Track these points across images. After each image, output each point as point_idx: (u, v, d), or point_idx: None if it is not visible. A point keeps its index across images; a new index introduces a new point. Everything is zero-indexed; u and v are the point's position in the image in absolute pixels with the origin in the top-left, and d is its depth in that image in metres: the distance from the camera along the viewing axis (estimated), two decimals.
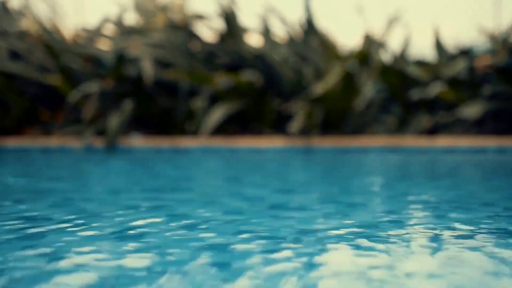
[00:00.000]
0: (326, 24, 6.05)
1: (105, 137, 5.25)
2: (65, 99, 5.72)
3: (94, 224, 1.71)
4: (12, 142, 5.39)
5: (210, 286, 1.11)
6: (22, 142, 5.39)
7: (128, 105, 5.44)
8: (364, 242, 1.46)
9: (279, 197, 2.32)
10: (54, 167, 4.06)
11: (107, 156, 4.88)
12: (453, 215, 1.89)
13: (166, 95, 5.71)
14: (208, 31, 6.08)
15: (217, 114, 5.29)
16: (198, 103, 5.49)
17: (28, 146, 5.33)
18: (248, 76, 5.49)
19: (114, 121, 5.24)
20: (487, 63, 5.71)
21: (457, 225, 1.72)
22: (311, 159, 4.62)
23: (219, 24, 6.02)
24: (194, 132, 5.47)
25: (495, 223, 1.73)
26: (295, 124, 5.16)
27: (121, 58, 5.57)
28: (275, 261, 1.28)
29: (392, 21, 5.82)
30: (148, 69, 5.36)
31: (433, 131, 5.51)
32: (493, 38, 5.87)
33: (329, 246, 1.43)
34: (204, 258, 1.31)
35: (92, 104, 5.49)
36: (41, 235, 1.57)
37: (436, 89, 5.40)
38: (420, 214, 1.96)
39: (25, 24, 6.12)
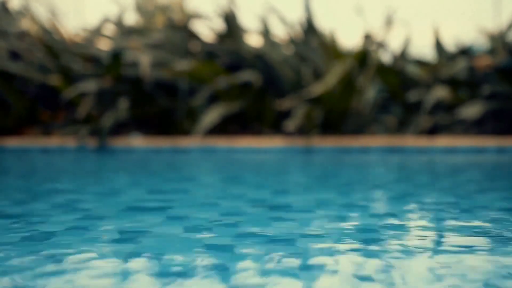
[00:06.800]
0: (326, 24, 6.04)
1: (98, 137, 5.24)
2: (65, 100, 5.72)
3: (93, 225, 1.71)
4: (12, 142, 5.39)
5: (209, 286, 1.11)
6: (22, 142, 5.39)
7: (123, 104, 5.43)
8: (363, 242, 1.46)
9: (279, 198, 2.32)
10: (52, 167, 4.06)
11: (107, 156, 4.88)
12: (452, 216, 1.89)
13: (166, 95, 5.71)
14: (208, 31, 6.08)
15: (213, 115, 5.28)
16: (197, 103, 5.49)
17: (28, 146, 5.33)
18: (248, 76, 5.48)
19: (107, 120, 5.23)
20: (487, 63, 5.71)
21: (457, 225, 1.72)
22: (311, 159, 4.62)
23: (219, 24, 6.02)
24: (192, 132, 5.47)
25: (494, 224, 1.73)
26: (292, 123, 5.16)
27: (117, 56, 5.56)
28: (274, 262, 1.28)
29: (392, 21, 5.82)
30: (145, 65, 5.35)
31: (432, 131, 5.51)
32: (493, 38, 5.87)
33: (328, 246, 1.43)
34: (203, 259, 1.31)
35: (88, 103, 5.48)
36: (41, 235, 1.57)
37: (436, 93, 5.40)
38: (420, 214, 1.95)
39: (25, 24, 6.12)
